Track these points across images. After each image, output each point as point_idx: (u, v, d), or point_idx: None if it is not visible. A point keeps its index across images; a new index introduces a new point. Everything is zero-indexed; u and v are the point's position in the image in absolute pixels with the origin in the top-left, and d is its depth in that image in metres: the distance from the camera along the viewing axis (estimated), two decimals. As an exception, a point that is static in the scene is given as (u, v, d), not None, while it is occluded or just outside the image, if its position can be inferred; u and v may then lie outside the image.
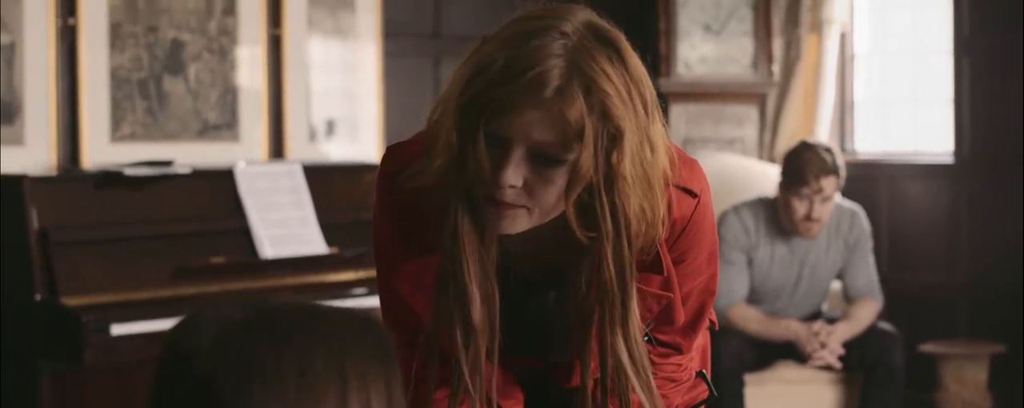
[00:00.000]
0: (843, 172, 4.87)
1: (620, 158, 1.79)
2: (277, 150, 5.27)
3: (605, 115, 1.77)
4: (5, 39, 4.64)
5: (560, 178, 1.81)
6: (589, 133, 1.76)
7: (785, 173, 4.86)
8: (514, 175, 1.80)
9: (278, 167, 4.91)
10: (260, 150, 5.20)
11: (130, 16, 4.92)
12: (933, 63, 6.26)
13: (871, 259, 4.99)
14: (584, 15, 1.84)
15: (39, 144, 4.69)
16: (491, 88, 1.79)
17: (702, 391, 2.28)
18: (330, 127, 5.43)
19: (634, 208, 1.84)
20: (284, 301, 1.33)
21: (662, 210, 1.90)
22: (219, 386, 1.25)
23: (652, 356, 2.13)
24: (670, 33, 6.18)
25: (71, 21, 4.78)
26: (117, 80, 4.89)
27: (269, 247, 4.70)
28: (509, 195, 1.82)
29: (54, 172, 4.63)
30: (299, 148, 5.30)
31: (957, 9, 5.96)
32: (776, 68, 6.32)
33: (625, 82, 1.80)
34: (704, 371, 2.28)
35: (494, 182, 1.81)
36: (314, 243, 4.81)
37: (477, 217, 1.89)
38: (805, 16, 6.25)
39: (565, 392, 2.15)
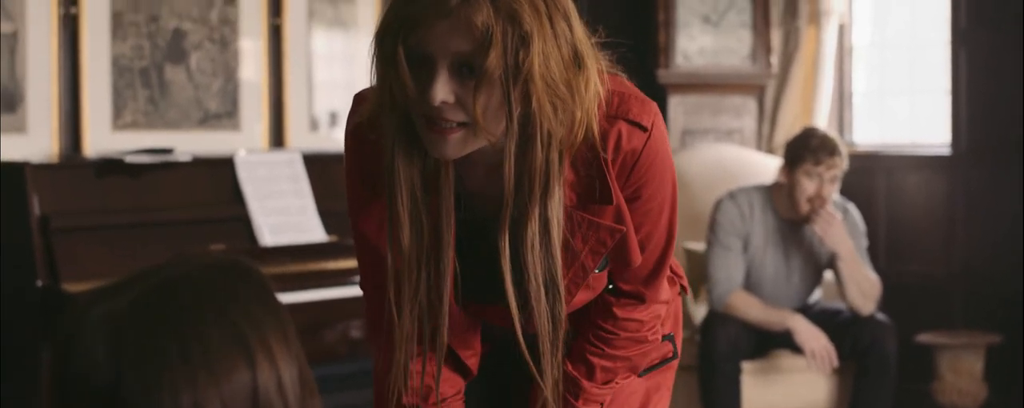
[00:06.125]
0: (847, 158, 4.90)
1: (528, 58, 1.82)
2: (278, 140, 5.30)
3: (513, 19, 1.81)
4: (7, 27, 4.67)
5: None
6: (497, 36, 1.80)
7: (792, 153, 4.86)
8: (443, 90, 1.83)
9: (278, 156, 4.94)
10: (261, 140, 5.23)
11: (132, 5, 4.95)
12: (931, 55, 6.29)
13: (866, 257, 5.00)
14: None
15: (41, 132, 4.73)
16: (404, 8, 1.84)
17: (667, 350, 2.29)
18: (333, 118, 5.45)
19: (546, 110, 1.87)
20: (157, 267, 1.27)
21: (580, 115, 1.92)
22: (128, 391, 1.19)
23: (615, 309, 2.16)
24: (669, 24, 6.20)
25: (73, 10, 4.81)
26: (119, 68, 4.92)
27: (269, 235, 4.74)
28: (445, 112, 1.85)
29: (56, 160, 4.66)
30: (300, 138, 5.33)
31: (954, 1, 5.99)
32: (775, 60, 6.34)
33: None
34: (672, 334, 2.29)
35: (425, 101, 1.84)
36: (313, 231, 4.85)
37: (413, 148, 1.94)
38: (804, 8, 6.27)
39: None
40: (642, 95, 2.03)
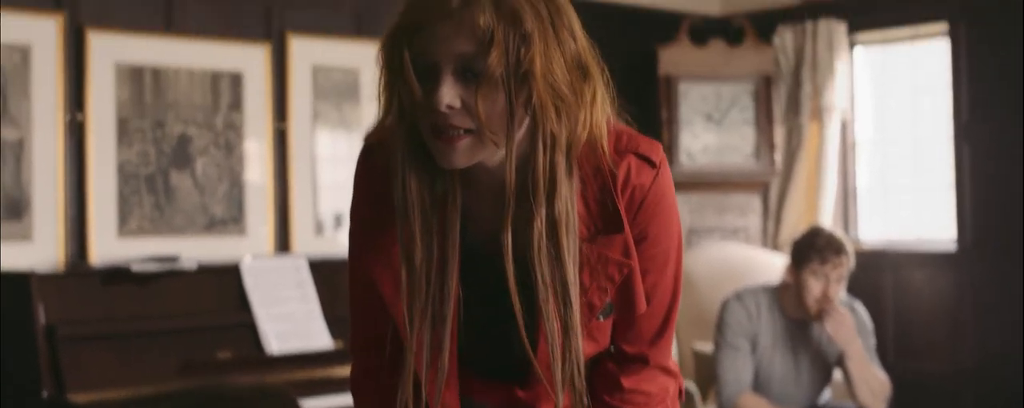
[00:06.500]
0: (853, 257, 4.89)
1: (529, 56, 1.84)
2: (284, 244, 5.30)
3: (515, 20, 1.84)
4: (13, 135, 4.68)
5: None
6: (499, 36, 1.83)
7: (799, 253, 4.85)
8: (449, 94, 1.84)
9: (284, 261, 4.93)
10: (267, 244, 5.22)
11: (137, 111, 4.96)
12: (934, 149, 6.30)
13: (874, 355, 4.97)
14: None
15: (47, 240, 4.72)
16: (407, 17, 1.88)
17: None
18: (337, 221, 5.45)
19: (548, 112, 1.88)
20: (188, 390, 1.29)
21: (583, 117, 1.92)
22: None
23: (621, 378, 2.11)
24: (672, 123, 6.22)
25: (79, 117, 4.83)
26: (124, 175, 4.92)
27: (275, 342, 4.71)
28: (452, 118, 1.86)
29: (62, 268, 4.65)
30: (306, 241, 5.33)
31: (956, 96, 6.01)
32: (778, 157, 6.35)
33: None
34: None
35: (432, 106, 1.85)
36: (320, 337, 4.82)
37: (423, 166, 1.94)
38: (806, 104, 6.29)
39: None
40: (649, 138, 2.06)
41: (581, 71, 1.92)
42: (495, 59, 1.83)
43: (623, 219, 2.00)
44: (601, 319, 2.07)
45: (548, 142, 1.91)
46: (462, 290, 2.01)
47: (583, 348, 2.05)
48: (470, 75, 1.85)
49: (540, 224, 1.93)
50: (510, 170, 1.91)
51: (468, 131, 1.87)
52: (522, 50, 1.84)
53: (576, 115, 1.92)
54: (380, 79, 1.94)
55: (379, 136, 2.02)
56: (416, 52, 1.87)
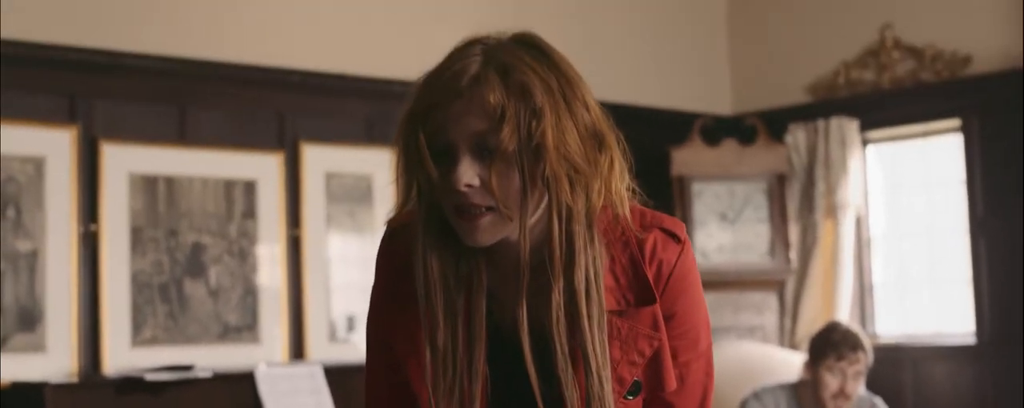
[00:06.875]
0: (871, 353, 4.85)
1: (540, 129, 1.84)
2: (298, 351, 5.28)
3: (525, 95, 1.85)
4: (27, 246, 4.69)
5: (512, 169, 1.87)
6: (510, 113, 1.83)
7: (816, 349, 4.82)
8: (468, 173, 1.85)
9: (299, 369, 4.91)
10: (281, 351, 5.20)
11: (151, 220, 4.98)
12: (948, 243, 6.28)
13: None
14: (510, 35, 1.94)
15: (60, 350, 4.71)
16: (420, 100, 1.89)
17: None
18: (350, 323, 5.44)
19: (562, 184, 1.87)
20: None
21: (598, 185, 1.91)
22: None
23: None
24: (686, 223, 6.22)
25: (93, 227, 4.84)
26: (138, 284, 4.92)
27: (290, 449, 4.69)
28: (472, 197, 1.85)
29: (75, 378, 4.64)
30: (320, 347, 5.31)
31: (970, 190, 6.01)
32: (793, 254, 6.34)
33: (548, 71, 1.88)
34: None
35: (451, 187, 1.85)
36: (335, 444, 4.80)
37: (446, 246, 1.93)
38: (820, 201, 6.29)
39: None
40: (672, 216, 2.06)
41: (596, 141, 1.92)
42: (507, 135, 1.83)
43: (653, 289, 1.99)
44: (629, 399, 2.03)
45: (563, 214, 1.90)
46: (489, 369, 1.99)
47: None
48: (486, 152, 1.86)
49: (558, 295, 1.92)
50: (524, 243, 1.90)
51: (489, 208, 1.87)
52: (533, 124, 1.85)
53: (592, 185, 1.91)
54: (397, 163, 1.94)
55: (401, 220, 2.02)
56: (431, 133, 1.87)
